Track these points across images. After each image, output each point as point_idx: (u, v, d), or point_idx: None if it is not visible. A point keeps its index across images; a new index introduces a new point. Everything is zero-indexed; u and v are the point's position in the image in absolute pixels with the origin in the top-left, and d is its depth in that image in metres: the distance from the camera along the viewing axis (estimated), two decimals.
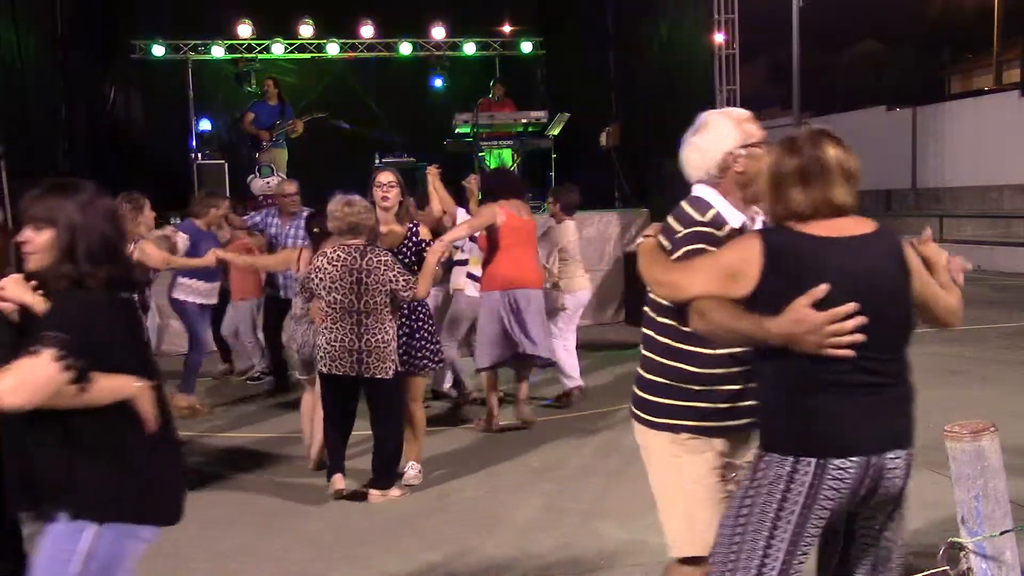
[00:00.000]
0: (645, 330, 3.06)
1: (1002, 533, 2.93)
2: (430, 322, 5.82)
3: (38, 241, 2.60)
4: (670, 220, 2.97)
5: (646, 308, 3.05)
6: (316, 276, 5.27)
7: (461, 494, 5.56)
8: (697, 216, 2.91)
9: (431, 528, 4.95)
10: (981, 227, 20.51)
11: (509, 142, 13.29)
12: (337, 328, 5.21)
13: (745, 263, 2.56)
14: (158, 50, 14.42)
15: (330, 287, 5.19)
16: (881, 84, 33.85)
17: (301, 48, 15.03)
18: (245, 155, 13.23)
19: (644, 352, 3.04)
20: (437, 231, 6.34)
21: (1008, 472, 3.03)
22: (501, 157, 13.34)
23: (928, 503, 4.55)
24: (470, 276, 7.36)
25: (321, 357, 5.28)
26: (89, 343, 2.48)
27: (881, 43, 37.14)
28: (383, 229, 5.54)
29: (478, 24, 15.65)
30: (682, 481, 2.94)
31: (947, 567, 3.03)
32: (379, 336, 5.20)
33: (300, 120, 13.12)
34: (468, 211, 7.34)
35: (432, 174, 6.90)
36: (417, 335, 5.67)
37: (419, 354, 5.67)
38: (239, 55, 14.67)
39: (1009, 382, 7.86)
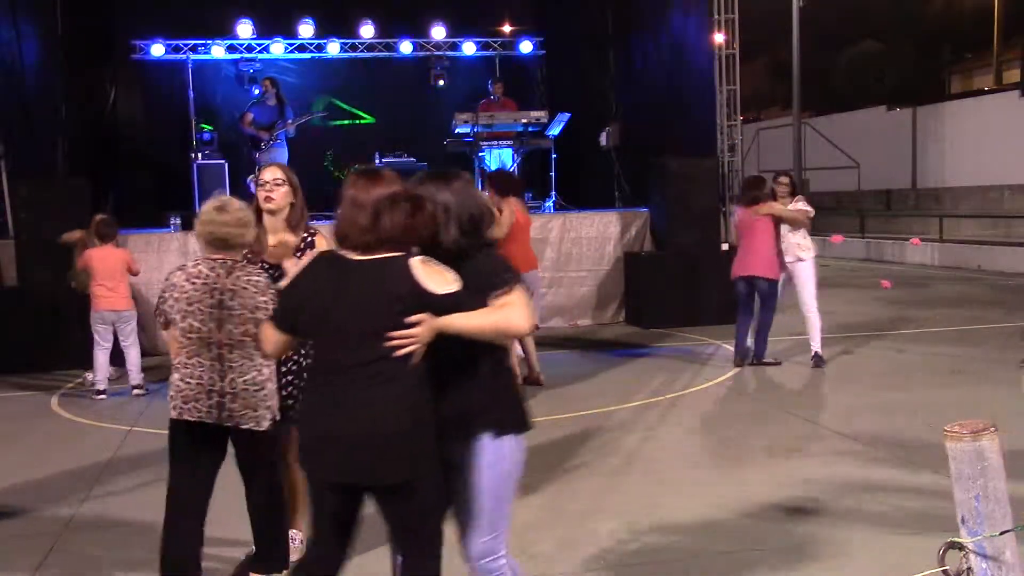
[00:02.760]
0: None
1: (1002, 533, 2.93)
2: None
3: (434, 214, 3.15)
4: None
5: None
6: (171, 296, 4.04)
7: None
8: None
9: None
10: (981, 227, 20.52)
11: (509, 142, 13.30)
12: (194, 364, 3.99)
13: None
14: (158, 50, 14.43)
15: (186, 311, 3.98)
16: (881, 84, 33.84)
17: (301, 48, 15.05)
18: (245, 155, 13.23)
19: None
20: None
21: (1008, 472, 3.03)
22: (501, 157, 13.34)
23: (928, 503, 4.58)
24: None
25: (172, 398, 4.02)
26: None
27: (881, 43, 37.14)
28: (271, 240, 4.46)
29: (478, 24, 15.66)
30: None
31: (947, 567, 3.03)
32: (248, 376, 4.00)
33: (299, 120, 13.12)
34: None
35: None
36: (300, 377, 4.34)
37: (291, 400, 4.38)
38: (239, 55, 14.69)
39: (1009, 382, 7.86)
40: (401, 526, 3.11)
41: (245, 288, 3.98)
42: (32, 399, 8.57)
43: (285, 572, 4.16)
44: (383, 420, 2.94)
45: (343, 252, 3.04)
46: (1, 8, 10.84)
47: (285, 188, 4.53)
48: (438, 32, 15.23)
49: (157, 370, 9.73)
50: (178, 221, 11.43)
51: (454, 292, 2.95)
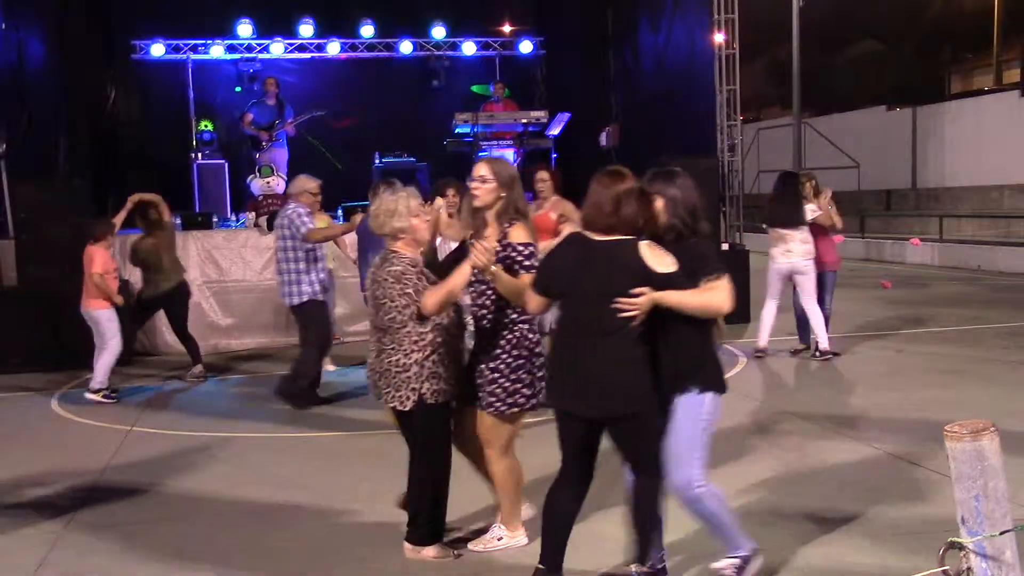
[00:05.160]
0: None
1: (1002, 533, 2.93)
2: (519, 352, 4.43)
3: (657, 206, 3.89)
4: None
5: None
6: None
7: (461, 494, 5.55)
8: None
9: None
10: (981, 227, 20.52)
11: (509, 142, 13.30)
12: (370, 345, 4.54)
13: None
14: (158, 50, 14.44)
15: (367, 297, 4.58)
16: (881, 84, 33.83)
17: (301, 48, 15.04)
18: (245, 155, 13.23)
19: None
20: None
21: (1008, 472, 3.03)
22: (502, 157, 13.33)
23: (928, 503, 4.58)
24: None
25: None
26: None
27: (881, 43, 37.12)
28: (487, 233, 4.48)
29: (478, 24, 15.67)
30: None
31: (947, 567, 3.03)
32: (394, 358, 4.35)
33: (298, 119, 13.12)
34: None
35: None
36: (494, 363, 4.43)
37: (489, 387, 4.42)
38: (239, 55, 14.69)
39: (1009, 382, 7.86)
40: (628, 450, 3.89)
41: (385, 279, 4.34)
42: (32, 399, 8.57)
43: (436, 545, 4.54)
44: (610, 366, 3.72)
45: (587, 233, 3.82)
46: (1, 8, 10.84)
47: (490, 185, 4.49)
48: (438, 32, 15.24)
49: (157, 369, 9.76)
50: (178, 221, 11.42)
51: (672, 272, 3.66)
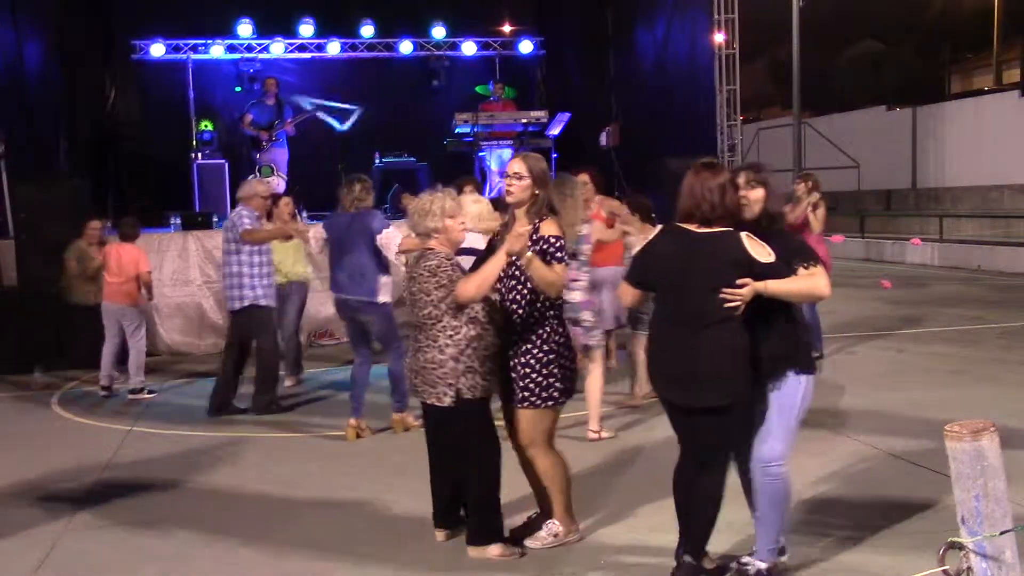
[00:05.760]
0: None
1: (1002, 533, 2.93)
2: (549, 347, 4.45)
3: (754, 196, 4.01)
4: None
5: None
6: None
7: None
8: None
9: (430, 529, 4.93)
10: (981, 227, 20.51)
11: (509, 142, 13.30)
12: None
13: None
14: (158, 50, 14.44)
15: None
16: (881, 84, 33.83)
17: (301, 48, 15.05)
18: (245, 155, 13.23)
19: None
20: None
21: (1008, 472, 3.03)
22: (501, 157, 13.34)
23: (928, 503, 4.58)
24: None
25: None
26: None
27: (881, 43, 37.14)
28: (517, 229, 4.35)
29: (478, 24, 15.67)
30: None
31: (947, 567, 3.03)
32: (429, 355, 4.39)
33: (297, 119, 13.12)
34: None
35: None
36: (524, 358, 4.44)
37: (522, 382, 4.44)
38: (239, 55, 14.69)
39: (1009, 382, 7.86)
40: (706, 441, 3.99)
41: (421, 274, 4.39)
42: (32, 399, 8.57)
43: (499, 544, 4.48)
44: (707, 359, 3.86)
45: (685, 226, 3.93)
46: (1, 8, 10.85)
47: (526, 182, 4.50)
48: (438, 32, 15.23)
49: (156, 369, 9.75)
50: (178, 221, 11.43)
51: (772, 262, 3.83)
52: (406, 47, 15.30)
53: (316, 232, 7.12)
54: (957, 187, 23.14)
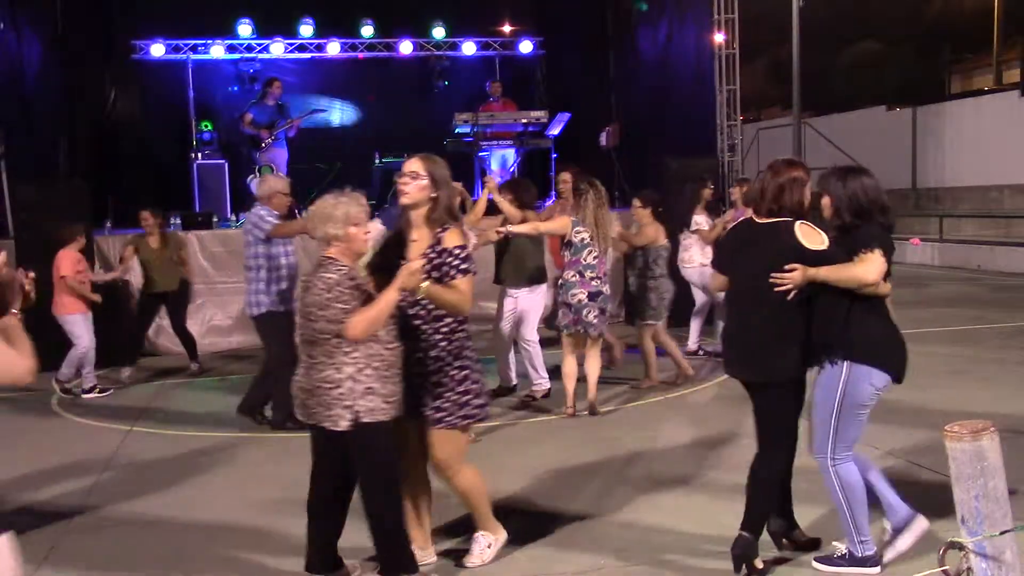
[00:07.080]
0: None
1: (1002, 533, 2.93)
2: (462, 362, 4.20)
3: (824, 203, 4.20)
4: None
5: None
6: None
7: None
8: None
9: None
10: (981, 227, 20.51)
11: (509, 142, 13.29)
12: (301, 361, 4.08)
13: None
14: (158, 50, 14.43)
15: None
16: (881, 84, 33.81)
17: (301, 48, 15.04)
18: (245, 155, 13.23)
19: None
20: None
21: (1007, 472, 3.03)
22: (502, 157, 13.34)
23: (928, 503, 4.55)
24: None
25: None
26: None
27: (881, 43, 37.10)
28: (412, 235, 4.19)
29: (478, 24, 15.66)
30: None
31: (947, 567, 3.03)
32: (324, 373, 3.91)
33: (298, 119, 13.11)
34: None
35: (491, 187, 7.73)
36: (436, 376, 4.16)
37: (435, 401, 4.16)
38: (239, 55, 14.69)
39: (1009, 382, 7.86)
40: (762, 420, 4.25)
41: (315, 284, 3.90)
42: (32, 399, 8.57)
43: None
44: (758, 334, 4.16)
45: (754, 217, 4.27)
46: (1, 8, 10.84)
47: (422, 182, 4.11)
48: (438, 32, 15.23)
49: (157, 369, 9.76)
50: (178, 221, 11.42)
51: (824, 249, 4.05)
52: (406, 47, 15.29)
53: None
54: (957, 187, 23.14)
